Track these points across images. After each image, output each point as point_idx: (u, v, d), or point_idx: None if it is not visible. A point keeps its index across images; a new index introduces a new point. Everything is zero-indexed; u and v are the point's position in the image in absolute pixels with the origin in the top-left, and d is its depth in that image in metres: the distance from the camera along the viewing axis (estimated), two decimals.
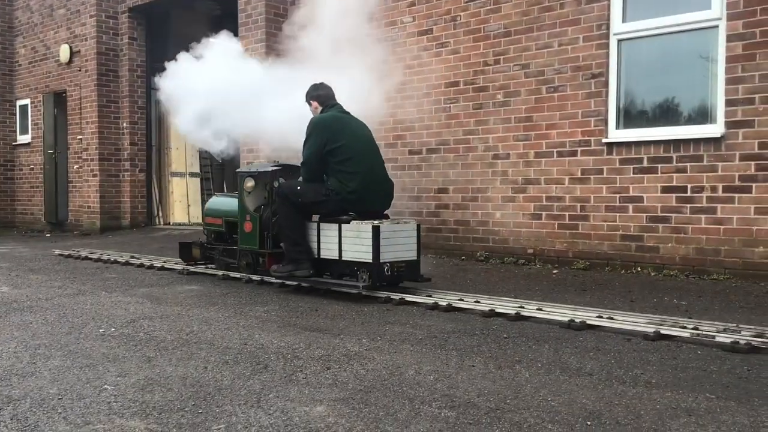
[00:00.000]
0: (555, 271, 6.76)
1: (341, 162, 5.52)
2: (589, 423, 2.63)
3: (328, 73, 6.12)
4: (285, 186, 5.75)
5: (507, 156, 7.49)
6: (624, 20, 6.70)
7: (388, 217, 5.72)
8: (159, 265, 7.27)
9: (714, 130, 6.15)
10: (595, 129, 6.87)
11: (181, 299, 5.42)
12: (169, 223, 12.47)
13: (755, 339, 3.70)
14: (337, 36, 6.55)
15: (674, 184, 6.35)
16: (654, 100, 6.75)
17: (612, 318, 4.34)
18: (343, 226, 5.44)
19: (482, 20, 7.66)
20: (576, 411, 2.76)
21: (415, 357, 3.61)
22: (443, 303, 4.89)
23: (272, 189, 6.08)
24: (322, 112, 5.84)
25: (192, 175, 12.90)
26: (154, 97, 12.81)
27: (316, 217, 5.75)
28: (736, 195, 6.02)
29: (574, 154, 7.00)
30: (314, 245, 5.64)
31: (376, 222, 5.33)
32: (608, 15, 6.76)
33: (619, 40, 6.72)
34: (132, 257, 8.02)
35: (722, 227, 6.11)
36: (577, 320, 4.25)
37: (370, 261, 5.22)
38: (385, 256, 5.24)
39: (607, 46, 6.78)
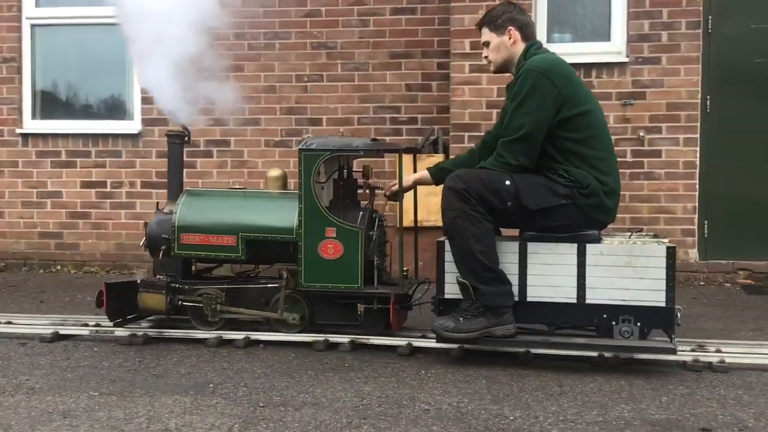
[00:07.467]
0: None
1: (585, 141, 3.31)
2: None
3: None
4: (472, 179, 3.29)
5: None
6: (38, 5, 6.36)
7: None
8: None
9: (132, 126, 6.30)
10: (8, 118, 6.38)
11: None
12: None
13: (152, 330, 3.82)
14: None
15: (94, 179, 6.30)
16: (74, 91, 6.63)
17: (11, 323, 4.02)
18: (591, 247, 3.30)
19: None
20: None
21: None
22: None
23: (357, 178, 3.86)
24: (527, 54, 3.43)
25: None
26: None
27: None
28: (154, 191, 6.23)
29: None
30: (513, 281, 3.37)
31: (665, 241, 3.43)
32: None
33: (33, 25, 6.36)
34: None
35: (141, 222, 6.25)
36: None
37: (662, 305, 3.21)
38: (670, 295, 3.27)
39: (19, 29, 6.33)
